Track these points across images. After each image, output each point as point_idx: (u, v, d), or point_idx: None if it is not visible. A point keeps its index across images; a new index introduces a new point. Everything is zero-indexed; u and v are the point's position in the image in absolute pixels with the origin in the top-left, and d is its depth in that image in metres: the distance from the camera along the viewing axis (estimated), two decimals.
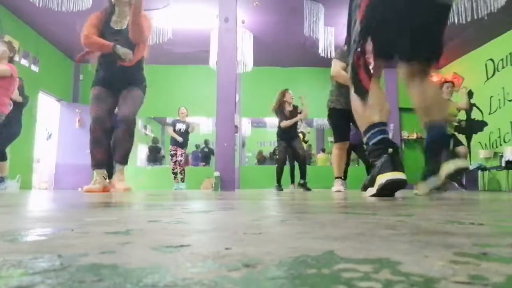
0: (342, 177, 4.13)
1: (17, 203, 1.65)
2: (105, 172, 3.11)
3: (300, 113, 5.91)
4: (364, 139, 1.91)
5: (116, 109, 3.19)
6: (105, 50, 2.99)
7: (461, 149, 5.46)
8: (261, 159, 10.80)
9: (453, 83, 5.94)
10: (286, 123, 5.66)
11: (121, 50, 2.99)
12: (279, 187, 5.82)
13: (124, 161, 3.07)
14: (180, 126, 7.18)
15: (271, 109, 5.88)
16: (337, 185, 3.97)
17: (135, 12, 2.92)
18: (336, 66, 3.93)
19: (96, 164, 3.06)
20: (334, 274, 0.32)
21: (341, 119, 3.94)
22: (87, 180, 8.54)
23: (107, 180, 3.03)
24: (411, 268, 0.34)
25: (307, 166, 5.93)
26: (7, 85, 3.97)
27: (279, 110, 5.82)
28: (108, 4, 3.19)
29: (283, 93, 5.89)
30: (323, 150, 10.62)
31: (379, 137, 1.82)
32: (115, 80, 3.11)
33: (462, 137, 8.07)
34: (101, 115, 3.10)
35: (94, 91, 3.16)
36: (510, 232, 0.62)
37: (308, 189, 5.45)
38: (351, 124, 4.02)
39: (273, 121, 9.69)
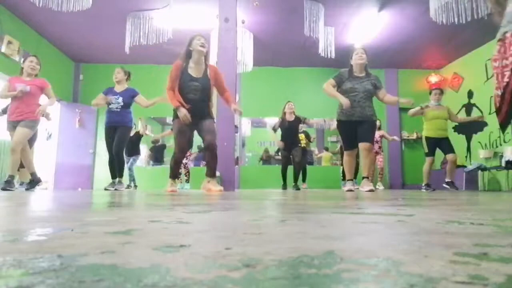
0: (353, 179, 4.47)
1: (17, 203, 1.65)
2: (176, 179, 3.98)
3: (303, 121, 6.26)
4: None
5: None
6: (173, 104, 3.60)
7: (451, 157, 5.39)
8: (267, 158, 10.82)
9: (441, 89, 5.95)
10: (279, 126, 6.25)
11: (181, 113, 3.56)
12: (284, 185, 6.32)
13: (214, 175, 3.88)
14: None
15: (278, 122, 6.30)
16: (348, 185, 4.34)
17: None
18: (326, 84, 4.34)
19: (174, 176, 3.90)
20: (334, 274, 0.32)
21: (347, 130, 4.25)
22: (87, 180, 8.56)
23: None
24: (411, 268, 0.34)
25: (308, 166, 6.31)
26: (38, 96, 4.55)
27: (281, 122, 6.23)
28: (185, 51, 3.63)
29: (284, 105, 6.32)
30: (326, 149, 10.61)
31: None
32: (194, 114, 3.63)
33: (462, 137, 8.06)
34: (184, 146, 3.79)
35: (178, 123, 3.65)
36: (510, 232, 0.62)
37: (298, 189, 6.08)
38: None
39: (273, 121, 9.67)
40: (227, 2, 5.18)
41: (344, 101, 4.01)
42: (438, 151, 5.50)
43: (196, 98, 3.58)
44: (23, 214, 1.07)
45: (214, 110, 4.48)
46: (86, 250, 0.43)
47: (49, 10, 5.03)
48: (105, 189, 4.95)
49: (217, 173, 4.79)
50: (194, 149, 9.74)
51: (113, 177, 5.05)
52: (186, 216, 0.92)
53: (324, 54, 6.48)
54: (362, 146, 4.17)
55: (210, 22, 6.29)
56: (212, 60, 6.52)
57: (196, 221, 0.82)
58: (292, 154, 6.15)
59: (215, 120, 3.96)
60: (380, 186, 7.55)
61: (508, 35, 1.90)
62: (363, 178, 4.24)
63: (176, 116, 3.66)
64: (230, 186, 4.80)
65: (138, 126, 8.64)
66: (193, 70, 3.59)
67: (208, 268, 0.34)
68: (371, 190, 4.00)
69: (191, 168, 8.59)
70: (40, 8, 5.00)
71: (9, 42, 6.18)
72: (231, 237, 0.55)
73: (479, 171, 7.30)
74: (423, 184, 5.52)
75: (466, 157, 8.00)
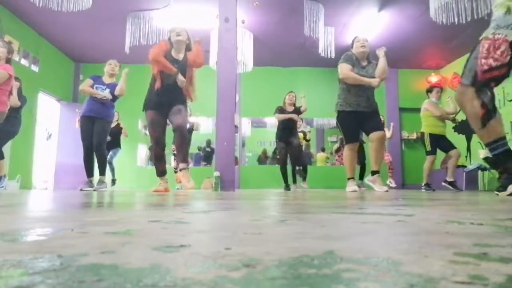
0: (354, 177, 4.06)
1: (17, 203, 1.65)
2: (166, 177, 3.86)
3: (299, 110, 5.98)
4: (487, 149, 2.22)
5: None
6: (167, 71, 3.68)
7: (455, 152, 5.40)
8: (264, 159, 10.82)
9: (441, 87, 5.98)
10: (279, 116, 5.87)
11: (181, 78, 3.72)
12: (287, 186, 5.88)
13: (185, 160, 3.78)
14: None
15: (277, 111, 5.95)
16: (351, 186, 3.91)
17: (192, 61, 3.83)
18: (344, 69, 3.88)
19: (160, 174, 3.84)
20: (334, 274, 0.32)
21: (351, 120, 3.93)
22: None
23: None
24: (411, 268, 0.34)
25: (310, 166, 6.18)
26: (4, 85, 4.11)
27: (280, 110, 5.90)
28: (169, 40, 3.99)
29: (286, 95, 6.03)
30: (323, 150, 10.62)
31: (506, 148, 2.15)
32: (165, 102, 3.72)
33: (462, 137, 8.06)
34: (159, 137, 3.77)
35: (149, 115, 3.74)
36: (510, 232, 0.62)
37: (305, 174, 6.02)
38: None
39: (273, 121, 9.67)
40: (227, 2, 5.18)
41: (371, 81, 3.80)
42: (439, 151, 5.51)
43: (173, 80, 3.73)
44: (23, 214, 1.07)
45: (212, 107, 4.44)
46: (86, 250, 0.43)
47: (49, 10, 5.03)
48: (81, 190, 4.42)
49: (217, 173, 4.79)
50: (194, 149, 9.75)
51: (90, 175, 4.59)
52: (186, 216, 0.92)
53: (324, 54, 6.48)
54: (375, 135, 3.84)
55: (210, 22, 6.29)
56: (212, 60, 6.53)
57: (196, 221, 0.82)
58: (291, 144, 5.80)
59: (188, 109, 4.05)
60: (391, 183, 7.44)
61: (498, 36, 2.04)
62: (374, 173, 3.89)
63: (146, 108, 3.77)
64: (230, 186, 4.80)
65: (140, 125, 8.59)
66: (175, 54, 3.89)
67: (208, 268, 0.34)
68: (386, 191, 3.76)
69: (190, 168, 8.59)
70: (40, 8, 5.00)
71: (9, 42, 6.17)
72: (231, 237, 0.55)
73: (479, 171, 7.30)
74: (423, 184, 5.51)
75: (466, 157, 8.00)
